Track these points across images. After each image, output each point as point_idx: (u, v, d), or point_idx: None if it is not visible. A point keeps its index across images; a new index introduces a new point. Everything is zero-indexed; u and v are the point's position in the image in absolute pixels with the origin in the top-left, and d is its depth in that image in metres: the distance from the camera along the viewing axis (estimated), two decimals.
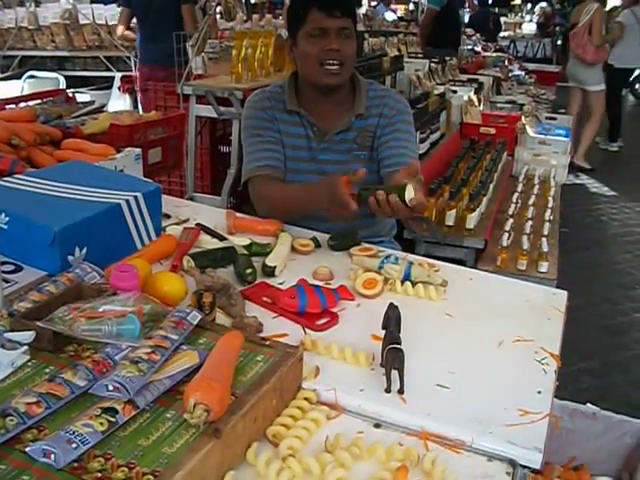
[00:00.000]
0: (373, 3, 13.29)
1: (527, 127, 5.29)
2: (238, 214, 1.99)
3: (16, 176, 1.70)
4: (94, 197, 1.60)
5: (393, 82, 4.54)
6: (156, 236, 1.72)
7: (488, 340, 1.41)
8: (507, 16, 19.40)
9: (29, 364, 1.08)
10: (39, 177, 1.67)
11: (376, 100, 2.15)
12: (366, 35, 5.51)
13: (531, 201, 3.99)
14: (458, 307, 1.55)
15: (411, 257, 1.80)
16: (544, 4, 18.20)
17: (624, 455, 1.91)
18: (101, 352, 1.07)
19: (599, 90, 7.30)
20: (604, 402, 2.57)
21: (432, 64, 5.80)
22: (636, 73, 11.67)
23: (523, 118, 5.41)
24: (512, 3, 19.51)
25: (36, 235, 1.44)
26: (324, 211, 1.80)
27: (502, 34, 15.48)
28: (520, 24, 20.28)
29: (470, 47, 10.05)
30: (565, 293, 1.69)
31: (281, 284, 1.58)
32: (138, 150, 2.23)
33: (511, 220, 3.54)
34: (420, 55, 6.18)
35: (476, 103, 5.42)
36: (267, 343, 1.18)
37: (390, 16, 15.15)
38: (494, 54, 9.62)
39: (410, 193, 1.56)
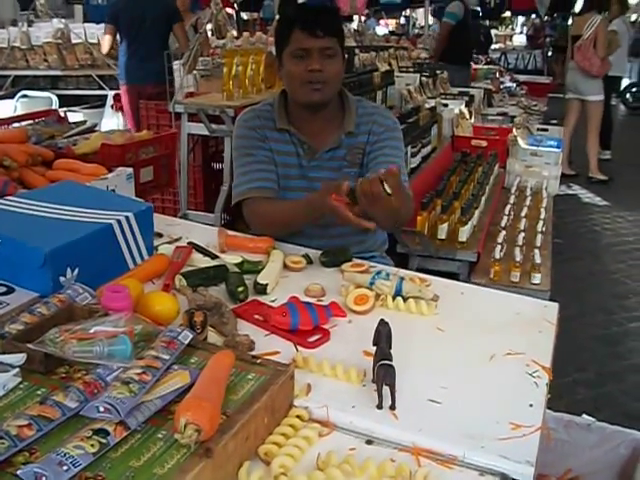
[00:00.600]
0: (364, 18, 13.36)
1: (519, 139, 5.32)
2: (230, 232, 1.99)
3: (7, 198, 1.70)
4: (85, 217, 1.60)
5: (384, 97, 4.55)
6: (148, 255, 1.72)
7: (479, 354, 1.42)
8: (498, 29, 19.55)
9: (21, 386, 1.09)
10: (30, 198, 1.67)
11: (365, 117, 2.16)
12: (357, 50, 5.54)
13: (523, 213, 4.00)
14: (449, 322, 1.55)
15: (402, 272, 1.80)
16: (534, 16, 18.32)
17: (619, 466, 1.92)
18: (92, 373, 1.07)
19: (598, 100, 7.30)
20: (599, 413, 2.59)
21: (423, 78, 5.83)
22: (626, 82, 11.80)
23: (514, 130, 5.44)
24: (502, 16, 19.65)
25: (27, 257, 1.45)
26: (323, 222, 1.83)
27: (493, 46, 15.58)
28: (510, 36, 20.44)
29: None
30: (556, 305, 1.69)
31: (273, 301, 1.59)
32: (130, 169, 2.24)
33: (504, 232, 3.55)
34: (411, 69, 6.20)
35: (467, 116, 5.45)
36: (258, 361, 1.18)
37: (381, 30, 15.26)
38: (485, 66, 9.68)
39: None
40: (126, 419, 0.96)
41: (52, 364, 1.13)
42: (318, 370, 1.29)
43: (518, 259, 3.21)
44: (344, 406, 1.20)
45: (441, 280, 1.80)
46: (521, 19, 21.61)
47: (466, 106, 5.58)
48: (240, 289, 1.58)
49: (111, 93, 6.49)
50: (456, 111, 5.22)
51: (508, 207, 4.07)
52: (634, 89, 13.07)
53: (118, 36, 5.69)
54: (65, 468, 0.87)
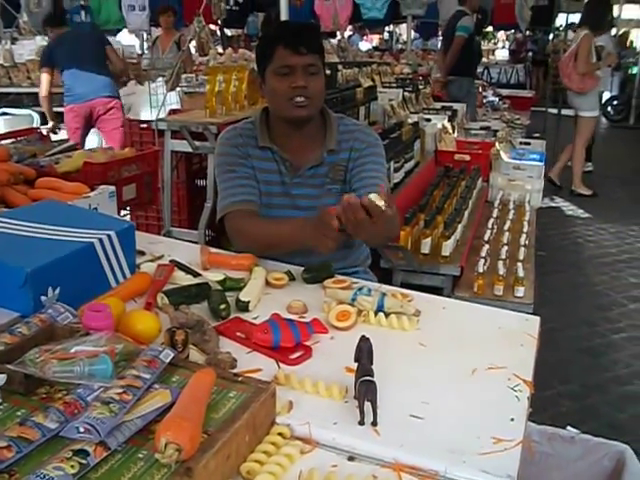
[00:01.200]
0: (347, 34, 13.46)
1: (501, 153, 5.35)
2: (212, 249, 2.00)
3: None
4: (67, 236, 1.60)
5: (367, 112, 4.58)
6: (130, 274, 1.72)
7: (461, 369, 1.42)
8: (480, 43, 19.70)
9: (0, 407, 1.08)
10: (12, 217, 1.67)
11: (347, 135, 2.18)
12: (339, 66, 5.57)
13: (507, 226, 4.02)
14: (431, 337, 1.56)
15: (384, 288, 1.81)
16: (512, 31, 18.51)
17: (603, 478, 1.92)
18: (73, 393, 1.07)
19: (588, 117, 7.25)
20: (584, 425, 2.60)
21: (406, 93, 5.87)
22: (607, 95, 11.93)
23: (497, 144, 5.47)
24: (485, 30, 19.83)
25: (8, 276, 1.44)
26: (305, 248, 1.83)
27: None
28: (493, 50, 20.62)
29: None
30: (538, 319, 1.70)
31: (255, 319, 1.59)
32: (112, 188, 2.24)
33: (487, 246, 3.57)
34: (394, 85, 6.24)
35: (450, 130, 5.48)
36: (239, 379, 1.18)
37: (365, 46, 15.36)
38: None
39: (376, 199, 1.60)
40: (106, 439, 0.96)
41: (32, 385, 1.13)
42: (300, 387, 1.30)
43: (501, 272, 3.22)
44: (326, 423, 1.20)
45: (423, 295, 1.81)
46: (503, 34, 21.82)
47: (449, 121, 5.62)
48: (222, 307, 1.58)
49: None
50: (439, 126, 5.25)
51: (491, 221, 4.09)
52: (615, 102, 13.24)
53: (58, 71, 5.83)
54: None
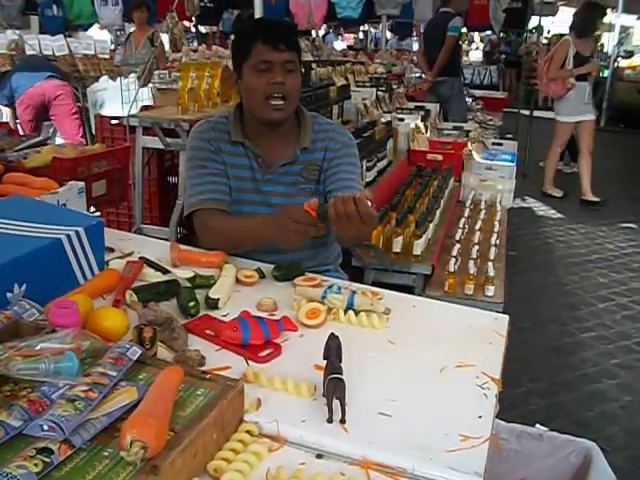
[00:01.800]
0: (321, 32, 13.46)
1: (474, 153, 5.39)
2: (182, 246, 1.99)
3: None
4: (34, 232, 1.58)
5: (340, 111, 4.58)
6: (99, 270, 1.70)
7: (430, 366, 1.43)
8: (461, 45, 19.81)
9: None
10: None
11: (321, 134, 2.17)
12: (313, 65, 5.57)
13: (478, 226, 4.04)
14: (401, 335, 1.56)
15: (354, 286, 1.81)
16: (489, 32, 18.65)
17: (571, 474, 1.95)
18: (37, 391, 1.05)
19: (563, 122, 7.12)
20: (553, 422, 2.64)
21: (379, 92, 5.89)
22: None
23: (469, 144, 5.51)
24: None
25: None
26: (273, 244, 1.83)
27: None
28: (467, 52, 20.73)
29: (418, 75, 10.23)
30: (506, 317, 1.71)
31: (225, 316, 1.58)
32: (81, 183, 2.21)
33: (458, 245, 3.59)
34: (368, 84, 6.26)
35: (423, 130, 5.50)
36: (207, 377, 1.17)
37: (340, 45, 15.38)
38: None
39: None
40: (71, 437, 0.95)
41: None
42: (269, 385, 1.29)
43: (472, 272, 3.24)
44: (294, 420, 1.20)
45: (393, 294, 1.81)
46: (477, 35, 21.97)
47: (422, 120, 5.64)
48: (191, 304, 1.57)
49: None
50: (412, 125, 5.28)
51: (463, 220, 4.12)
52: None
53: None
54: None
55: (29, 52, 6.87)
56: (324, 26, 15.06)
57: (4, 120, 5.66)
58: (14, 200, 1.86)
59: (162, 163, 4.40)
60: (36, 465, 0.90)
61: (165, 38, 7.10)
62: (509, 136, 7.65)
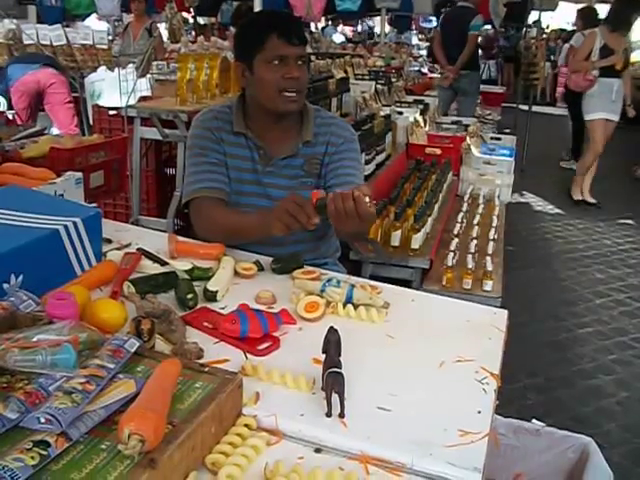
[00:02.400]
0: (320, 25, 13.42)
1: (472, 147, 5.38)
2: (180, 238, 1.97)
3: None
4: (31, 223, 1.57)
5: (339, 104, 4.56)
6: (96, 262, 1.69)
7: (429, 361, 1.42)
8: None
9: None
10: None
11: (323, 128, 2.16)
12: (312, 57, 5.55)
13: (476, 220, 4.04)
14: (400, 329, 1.56)
15: (353, 280, 1.80)
16: (488, 27, 18.59)
17: (568, 470, 1.95)
18: (34, 383, 1.04)
19: (590, 119, 6.69)
20: (549, 417, 2.64)
21: (378, 85, 5.87)
22: None
23: (468, 138, 5.50)
24: None
25: None
26: (269, 238, 1.82)
27: None
28: None
29: (417, 68, 10.22)
30: (505, 312, 1.70)
31: (223, 309, 1.57)
32: (79, 174, 2.19)
33: (456, 240, 3.58)
34: (367, 77, 6.24)
35: (422, 124, 5.49)
36: (206, 370, 1.17)
37: (339, 38, 15.34)
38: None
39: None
40: (68, 430, 0.94)
41: None
42: (267, 378, 1.29)
43: (470, 266, 3.24)
44: (293, 414, 1.19)
45: (392, 287, 1.80)
46: None
47: (421, 114, 5.63)
48: (189, 296, 1.56)
49: None
50: (411, 119, 5.26)
51: (461, 215, 4.11)
52: None
53: None
54: None
55: (27, 42, 6.85)
56: (323, 19, 15.00)
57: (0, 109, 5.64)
58: (11, 190, 1.84)
59: (160, 154, 4.39)
60: (33, 458, 0.89)
61: (163, 29, 7.08)
62: (507, 131, 7.65)
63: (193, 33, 11.38)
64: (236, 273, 1.77)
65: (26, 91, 5.65)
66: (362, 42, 14.10)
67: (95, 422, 0.99)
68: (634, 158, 8.51)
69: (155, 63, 5.26)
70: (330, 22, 17.66)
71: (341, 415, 1.19)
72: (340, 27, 18.67)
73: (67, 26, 7.46)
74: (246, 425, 1.14)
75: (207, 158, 2.10)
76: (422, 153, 4.97)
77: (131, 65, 5.89)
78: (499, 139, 6.13)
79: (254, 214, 1.97)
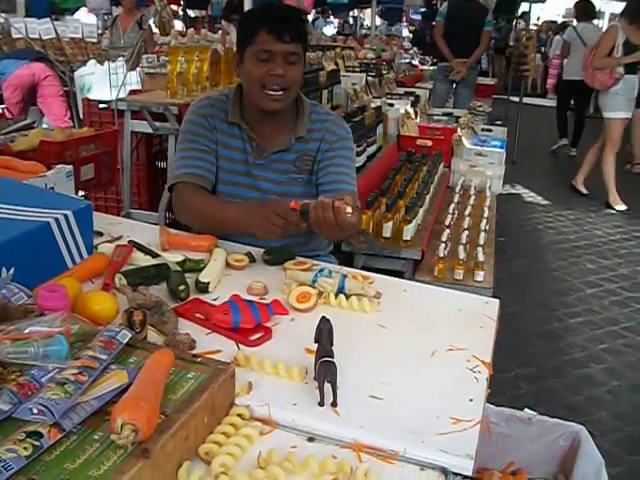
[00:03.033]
0: (310, 17, 13.38)
1: (463, 139, 5.38)
2: (172, 230, 1.97)
3: None
4: (22, 216, 1.56)
5: (330, 96, 4.56)
6: (88, 254, 1.69)
7: (421, 350, 1.43)
8: None
9: None
10: None
11: (318, 124, 2.15)
12: None
13: (467, 211, 4.05)
14: (392, 318, 1.56)
15: (345, 270, 1.81)
16: None
17: (559, 457, 1.96)
18: (27, 374, 1.04)
19: (611, 118, 6.42)
20: (541, 406, 2.65)
21: (369, 77, 5.87)
22: None
23: (459, 130, 5.50)
24: None
25: None
26: (246, 233, 1.84)
27: None
28: None
29: (407, 61, 10.21)
30: (497, 301, 1.71)
31: (215, 300, 1.57)
32: (69, 167, 2.18)
33: (448, 230, 3.59)
34: (357, 69, 6.23)
35: (413, 116, 5.49)
36: (198, 360, 1.17)
37: (329, 30, 15.31)
38: (431, 67, 9.77)
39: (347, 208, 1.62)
40: (61, 421, 0.94)
41: None
42: (260, 368, 1.29)
43: (462, 257, 3.24)
44: (286, 404, 1.20)
45: (384, 278, 1.81)
46: None
47: (412, 106, 5.63)
48: (181, 288, 1.56)
49: None
50: (402, 111, 5.26)
51: (452, 206, 4.12)
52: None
53: None
54: None
55: (15, 36, 6.80)
56: (313, 11, 14.96)
57: None
58: (1, 183, 1.83)
59: (150, 148, 4.37)
60: (26, 449, 0.89)
61: (152, 22, 7.05)
62: (498, 122, 7.66)
63: (182, 27, 11.34)
64: (228, 264, 1.77)
65: (20, 84, 5.64)
66: (352, 34, 14.08)
67: (88, 413, 0.99)
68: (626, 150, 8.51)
69: (145, 56, 5.22)
70: (320, 15, 17.62)
71: (334, 404, 1.20)
72: (331, 18, 18.63)
73: (56, 20, 7.40)
74: (239, 415, 1.14)
75: (196, 145, 2.10)
76: (413, 145, 4.97)
77: (121, 58, 5.87)
78: (490, 130, 6.14)
79: (235, 207, 1.96)
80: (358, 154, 3.82)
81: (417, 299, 1.71)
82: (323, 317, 1.30)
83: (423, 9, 15.10)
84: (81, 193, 2.74)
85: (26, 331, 1.11)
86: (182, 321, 1.46)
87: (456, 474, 1.09)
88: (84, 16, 10.17)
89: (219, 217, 1.97)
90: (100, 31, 8.84)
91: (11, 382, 1.02)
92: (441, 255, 3.24)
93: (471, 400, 1.26)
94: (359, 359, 1.37)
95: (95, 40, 7.08)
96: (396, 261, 3.31)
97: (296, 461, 1.04)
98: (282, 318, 1.51)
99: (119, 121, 3.89)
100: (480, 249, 3.34)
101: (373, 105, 4.86)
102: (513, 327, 3.76)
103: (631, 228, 6.05)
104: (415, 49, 11.97)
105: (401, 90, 6.58)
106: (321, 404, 1.20)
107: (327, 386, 1.19)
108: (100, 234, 1.91)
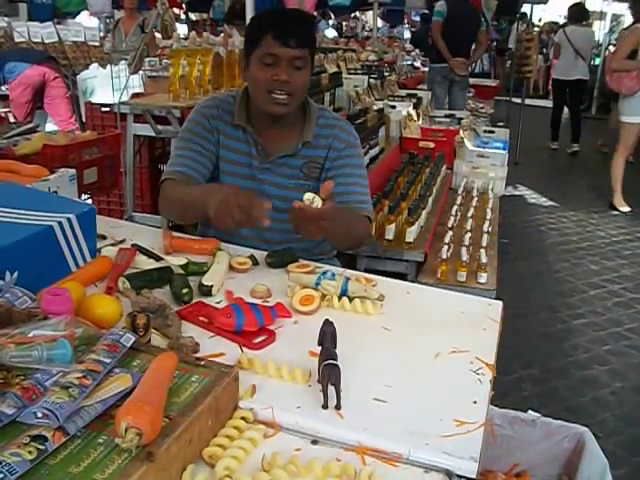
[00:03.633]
0: None
1: (465, 140, 5.38)
2: (175, 233, 1.97)
3: None
4: (26, 219, 1.56)
5: (332, 98, 4.56)
6: (91, 258, 1.69)
7: (425, 352, 1.43)
8: None
9: None
10: None
11: (326, 129, 2.13)
12: None
13: (470, 213, 4.04)
14: (395, 321, 1.56)
15: (348, 272, 1.81)
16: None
17: (563, 459, 1.96)
18: (31, 378, 1.04)
19: (628, 122, 6.35)
20: (545, 408, 2.64)
21: (371, 80, 5.86)
22: None
23: (461, 132, 5.50)
24: None
25: None
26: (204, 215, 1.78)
27: None
28: None
29: (409, 62, 10.21)
30: (500, 303, 1.71)
31: (218, 303, 1.57)
32: (72, 171, 2.19)
33: (451, 232, 3.58)
34: (359, 71, 6.23)
35: (415, 118, 5.49)
36: (202, 363, 1.17)
37: (331, 33, 15.31)
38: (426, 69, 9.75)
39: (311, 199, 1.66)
40: (65, 424, 0.94)
41: None
42: (263, 371, 1.29)
43: (465, 259, 3.24)
44: (289, 407, 1.20)
45: (387, 280, 1.81)
46: None
47: (414, 108, 5.63)
48: (184, 291, 1.56)
49: None
50: (404, 113, 5.26)
51: (455, 208, 4.11)
52: None
53: None
54: (1, 476, 0.85)
55: (18, 40, 6.81)
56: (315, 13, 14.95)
57: None
58: (4, 187, 1.84)
59: (153, 151, 4.38)
60: (30, 452, 0.89)
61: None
62: (501, 124, 7.65)
63: (184, 30, 11.35)
64: (231, 267, 1.77)
65: (31, 84, 5.68)
66: (354, 37, 14.08)
67: (92, 416, 0.99)
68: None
69: (147, 59, 5.24)
70: (321, 17, 17.61)
71: (337, 407, 1.19)
72: (331, 21, 18.62)
73: (58, 23, 7.42)
74: (243, 418, 1.14)
75: (192, 145, 2.08)
76: (416, 147, 4.97)
77: (123, 62, 5.88)
78: (492, 132, 6.13)
79: (203, 187, 1.97)
80: None
81: (420, 301, 1.71)
82: (326, 320, 1.30)
83: (424, 11, 15.12)
84: (84, 196, 2.74)
85: (30, 335, 1.11)
86: (185, 324, 1.46)
87: (460, 476, 1.08)
88: (86, 19, 10.21)
89: (185, 198, 1.93)
90: (102, 34, 8.87)
91: (15, 386, 1.02)
92: (444, 257, 3.23)
93: (475, 402, 1.26)
94: (363, 362, 1.37)
95: (97, 43, 7.11)
96: (399, 263, 3.31)
97: (300, 464, 1.05)
98: (285, 321, 1.51)
99: (122, 124, 3.90)
100: (483, 251, 3.34)
101: (375, 107, 4.86)
102: (516, 329, 3.76)
103: (634, 229, 6.04)
104: (417, 51, 11.96)
105: (403, 92, 6.58)
106: (325, 407, 1.20)
107: (331, 389, 1.19)
108: (103, 237, 1.91)
